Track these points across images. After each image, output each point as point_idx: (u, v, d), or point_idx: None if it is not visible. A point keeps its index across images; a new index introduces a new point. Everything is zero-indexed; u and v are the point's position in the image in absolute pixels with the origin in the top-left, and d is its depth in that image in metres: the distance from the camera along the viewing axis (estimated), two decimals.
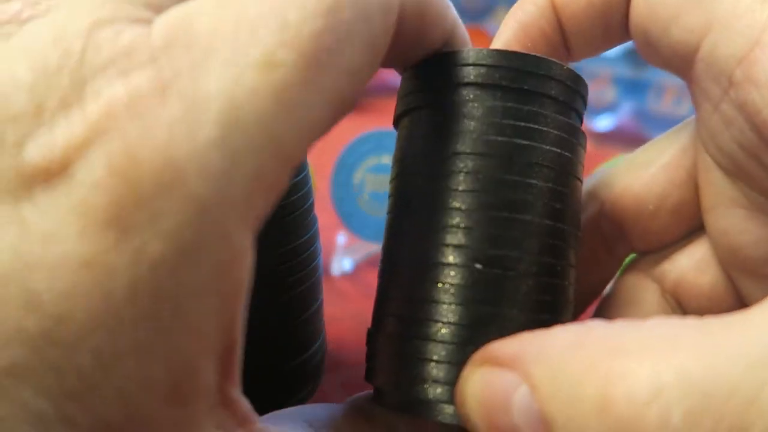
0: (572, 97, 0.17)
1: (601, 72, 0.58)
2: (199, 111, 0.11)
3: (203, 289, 0.12)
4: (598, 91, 0.59)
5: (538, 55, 0.17)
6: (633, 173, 0.20)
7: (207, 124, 0.11)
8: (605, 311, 0.21)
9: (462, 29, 0.18)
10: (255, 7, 0.13)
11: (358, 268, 0.37)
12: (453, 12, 0.17)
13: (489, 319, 0.16)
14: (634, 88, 0.57)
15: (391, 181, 0.18)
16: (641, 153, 0.21)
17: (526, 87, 0.16)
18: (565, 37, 0.20)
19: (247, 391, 0.17)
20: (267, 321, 0.22)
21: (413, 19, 0.16)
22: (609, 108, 0.59)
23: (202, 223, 0.11)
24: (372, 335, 0.18)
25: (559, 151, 0.17)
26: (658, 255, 0.20)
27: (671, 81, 0.55)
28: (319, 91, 0.13)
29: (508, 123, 0.16)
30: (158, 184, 0.11)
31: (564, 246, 0.17)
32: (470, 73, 0.17)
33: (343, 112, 0.14)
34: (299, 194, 0.22)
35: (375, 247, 0.37)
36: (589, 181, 0.21)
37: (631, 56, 0.56)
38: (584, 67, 0.58)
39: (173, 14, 0.13)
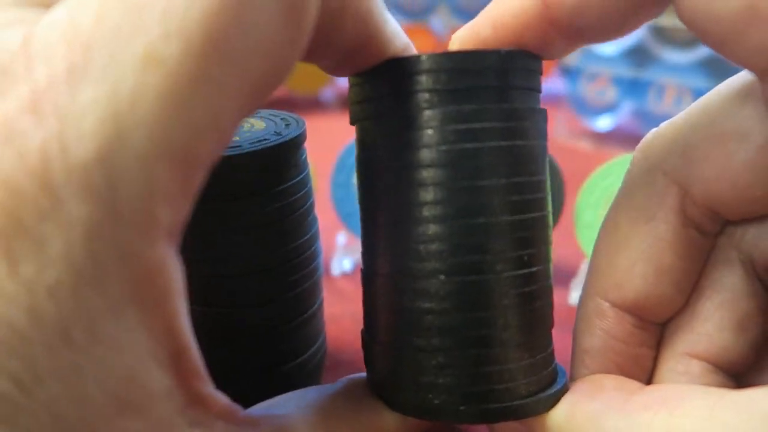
0: (513, 79, 0.16)
1: (601, 72, 0.58)
2: (73, 126, 0.11)
3: (118, 308, 0.11)
4: (598, 91, 0.58)
5: (466, 50, 0.16)
6: (723, 150, 0.16)
7: (82, 141, 0.11)
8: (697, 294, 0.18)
9: (391, 25, 0.16)
10: None
11: (358, 268, 0.37)
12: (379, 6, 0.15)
13: (479, 322, 0.16)
14: (634, 88, 0.57)
15: (358, 189, 0.18)
16: (716, 123, 0.17)
17: (460, 87, 0.15)
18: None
19: (248, 391, 0.18)
20: (267, 321, 0.22)
21: None
22: (609, 108, 0.58)
23: (94, 245, 0.11)
24: (367, 343, 0.18)
25: (508, 143, 0.16)
26: (751, 226, 0.18)
27: (671, 81, 0.54)
28: (218, 83, 0.11)
29: (453, 128, 0.16)
30: (38, 212, 0.11)
31: (532, 235, 0.16)
32: (402, 83, 0.16)
33: (263, 97, 0.13)
34: (299, 194, 0.22)
35: None
36: (648, 165, 0.18)
37: (631, 56, 0.56)
38: (584, 67, 0.58)
39: (62, 7, 0.12)
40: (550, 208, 0.18)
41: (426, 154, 0.16)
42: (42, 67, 0.11)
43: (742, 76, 0.17)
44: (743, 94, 0.17)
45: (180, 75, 0.11)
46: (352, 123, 0.18)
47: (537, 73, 0.17)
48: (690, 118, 0.18)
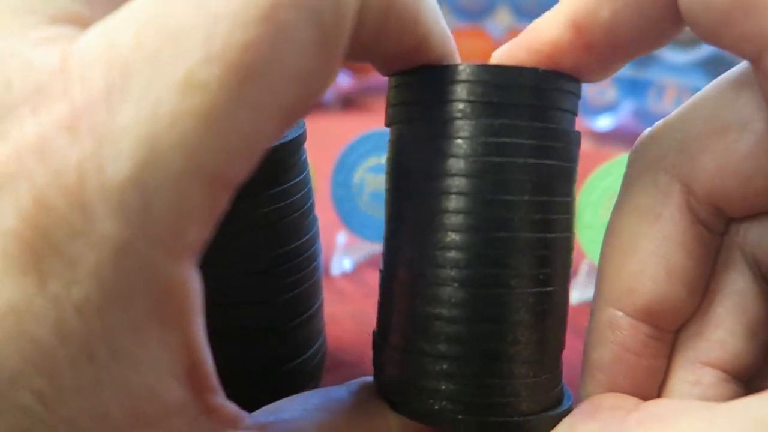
0: (548, 98, 0.16)
1: None
2: (110, 146, 0.11)
3: (141, 325, 0.12)
4: (598, 91, 0.59)
5: (505, 65, 0.16)
6: (723, 141, 0.16)
7: (119, 161, 0.11)
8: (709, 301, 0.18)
9: (438, 29, 0.16)
10: (182, 15, 0.11)
11: (358, 268, 0.37)
12: (427, 7, 0.15)
13: (487, 334, 0.16)
14: (634, 88, 0.57)
15: (386, 191, 0.18)
16: (714, 115, 0.17)
17: (494, 100, 0.16)
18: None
19: (248, 392, 0.18)
20: (267, 321, 0.22)
21: (376, 12, 0.14)
22: (609, 108, 0.59)
23: (123, 264, 0.11)
24: (378, 345, 0.18)
25: (536, 161, 0.16)
26: (753, 225, 0.17)
27: (671, 81, 0.55)
28: (253, 107, 0.12)
29: (483, 141, 0.16)
30: (69, 230, 0.11)
31: (552, 254, 0.17)
32: (444, 92, 0.16)
33: (294, 120, 0.13)
34: (299, 195, 0.22)
35: (375, 247, 0.37)
36: (646, 164, 0.18)
37: None
38: None
39: (98, 29, 0.12)
40: (574, 230, 0.17)
41: (453, 164, 0.16)
42: (79, 87, 0.11)
43: (737, 69, 0.17)
44: (739, 85, 0.16)
45: (218, 99, 0.11)
46: (387, 125, 0.18)
47: (573, 95, 0.17)
48: (687, 114, 0.17)
